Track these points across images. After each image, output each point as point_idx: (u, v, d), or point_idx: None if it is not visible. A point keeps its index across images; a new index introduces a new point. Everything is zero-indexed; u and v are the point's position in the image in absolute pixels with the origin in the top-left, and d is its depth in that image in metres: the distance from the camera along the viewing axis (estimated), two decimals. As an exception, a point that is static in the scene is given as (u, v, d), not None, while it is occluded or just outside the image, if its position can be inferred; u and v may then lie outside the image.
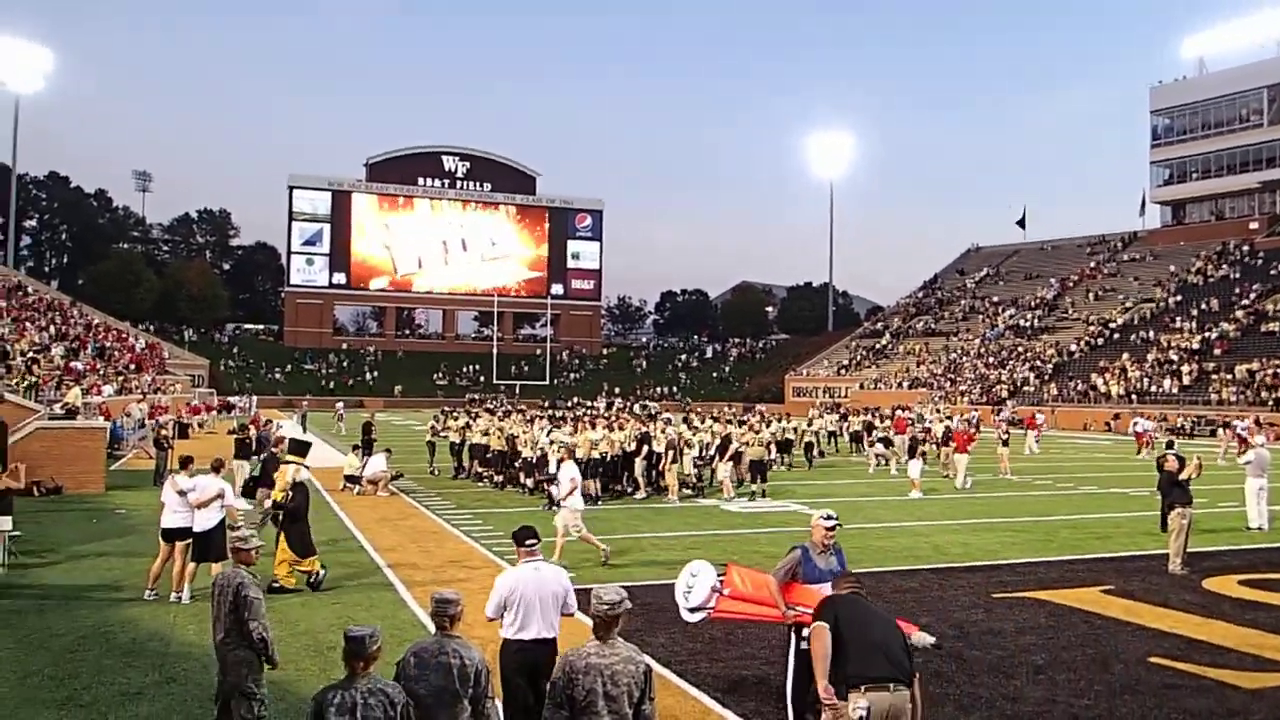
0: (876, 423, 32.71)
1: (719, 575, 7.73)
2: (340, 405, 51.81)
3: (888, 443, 30.00)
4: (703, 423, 27.06)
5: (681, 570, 7.97)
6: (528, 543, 6.59)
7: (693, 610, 7.66)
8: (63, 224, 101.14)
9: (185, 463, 11.94)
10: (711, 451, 23.34)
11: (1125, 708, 7.88)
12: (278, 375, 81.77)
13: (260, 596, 6.27)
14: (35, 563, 13.30)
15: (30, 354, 35.71)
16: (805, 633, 6.42)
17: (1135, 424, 41.04)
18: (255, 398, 60.75)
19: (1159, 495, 17.56)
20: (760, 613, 7.43)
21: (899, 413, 35.62)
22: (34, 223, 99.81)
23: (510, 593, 6.31)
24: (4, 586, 11.84)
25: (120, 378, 41.45)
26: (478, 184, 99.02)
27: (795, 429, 30.30)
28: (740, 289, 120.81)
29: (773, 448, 25.46)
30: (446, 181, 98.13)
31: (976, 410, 53.49)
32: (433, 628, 5.25)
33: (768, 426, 26.09)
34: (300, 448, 12.76)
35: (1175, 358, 55.68)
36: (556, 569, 6.75)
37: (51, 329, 44.67)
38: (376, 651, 4.68)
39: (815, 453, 30.39)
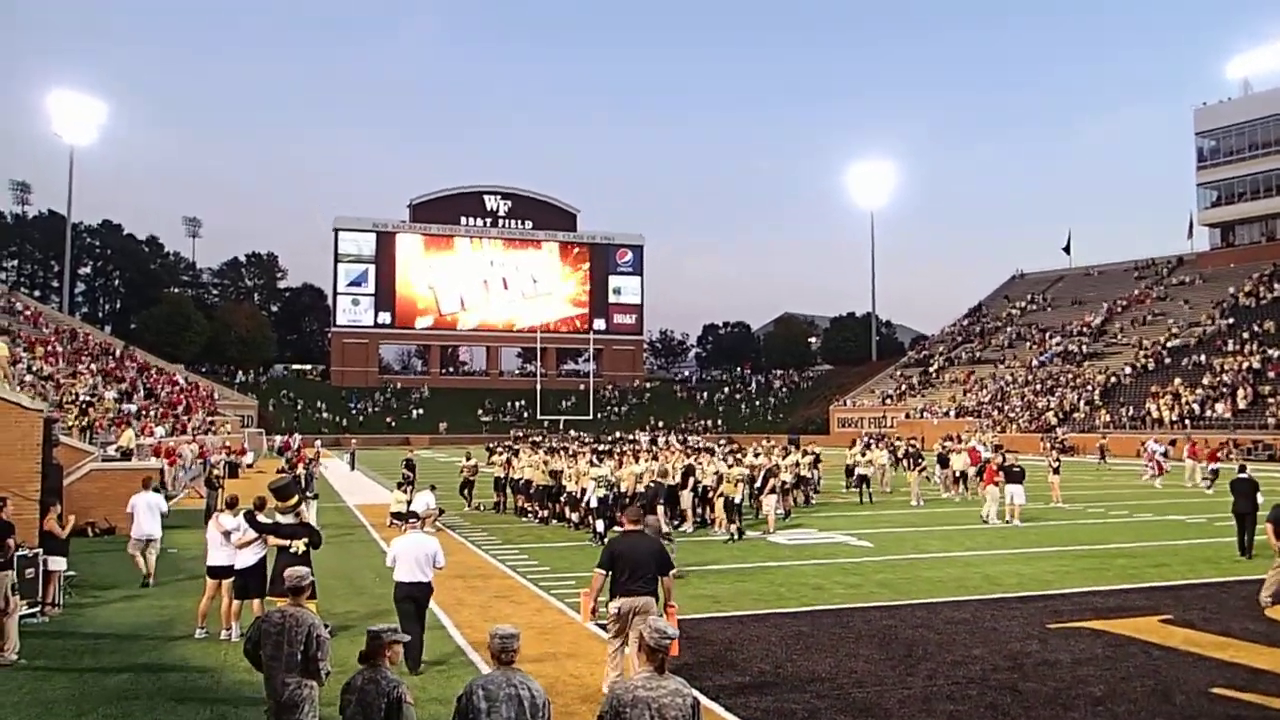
0: (856, 454, 30.67)
1: None
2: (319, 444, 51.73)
3: (864, 479, 28.78)
4: (744, 457, 26.88)
5: None
6: (411, 520, 11.12)
7: None
8: (116, 270, 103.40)
9: (232, 503, 12.04)
10: (758, 484, 23.16)
11: (1189, 740, 7.66)
12: (325, 414, 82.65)
13: (329, 636, 6.46)
14: (90, 602, 13.49)
15: (85, 398, 36.39)
16: None
17: None
18: (299, 436, 61.27)
19: (1235, 518, 17.43)
20: None
21: (972, 444, 34.26)
22: (88, 269, 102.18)
23: (397, 552, 10.12)
24: (60, 626, 12.00)
25: (172, 419, 42.08)
26: (519, 222, 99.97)
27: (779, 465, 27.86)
28: (783, 320, 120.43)
29: (741, 485, 21.90)
30: (488, 220, 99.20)
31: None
32: (482, 665, 5.30)
33: (739, 461, 23.89)
34: (281, 493, 12.20)
35: (1230, 381, 54.61)
36: (425, 537, 10.39)
37: (93, 369, 45.49)
38: (394, 645, 5.54)
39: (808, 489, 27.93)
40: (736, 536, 19.71)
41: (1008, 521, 22.44)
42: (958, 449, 32.23)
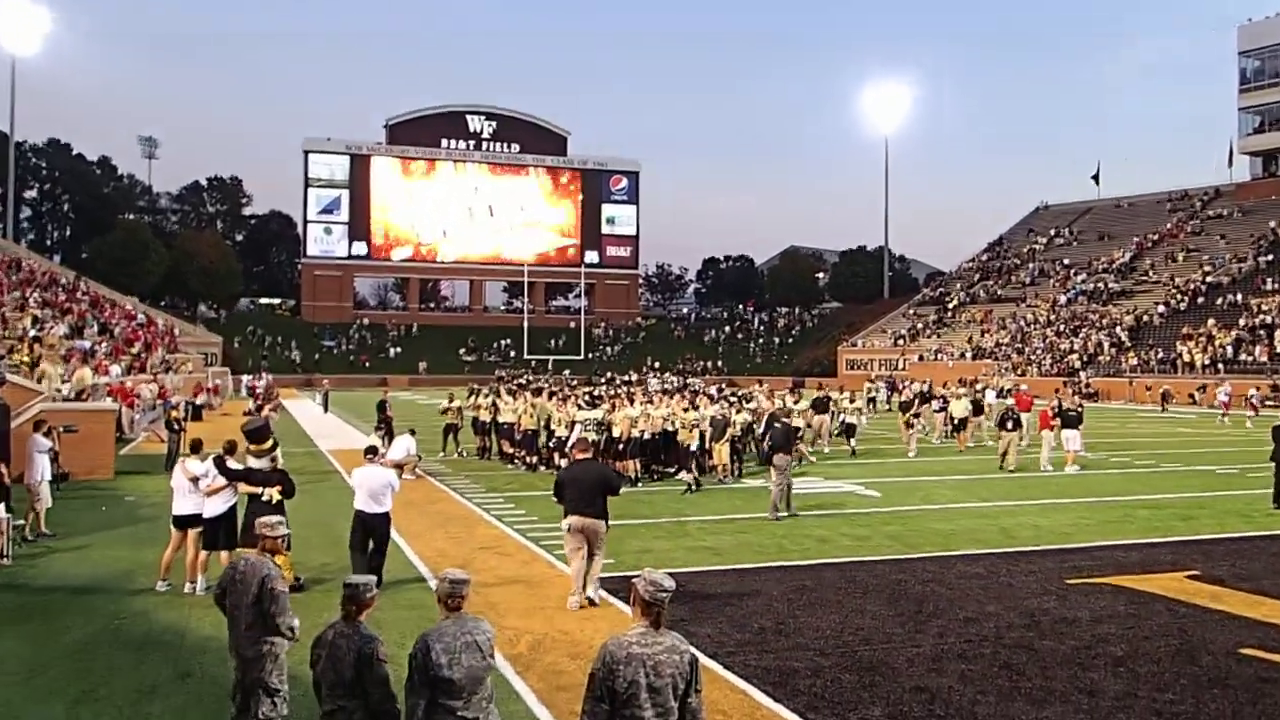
0: (844, 401, 29.80)
1: None
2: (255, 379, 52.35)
3: (849, 428, 27.90)
4: (746, 400, 26.88)
5: None
6: (367, 455, 11.99)
7: None
8: (65, 194, 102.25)
9: (196, 447, 12.01)
10: (760, 430, 23.23)
11: (1214, 702, 7.77)
12: (295, 352, 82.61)
13: (286, 590, 6.39)
14: (42, 553, 13.52)
15: (33, 333, 36.27)
16: None
17: None
18: (269, 375, 61.31)
19: (1274, 466, 17.67)
20: None
21: (1022, 388, 33.90)
22: (34, 193, 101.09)
23: (357, 481, 11.44)
24: (9, 579, 12.02)
25: (129, 357, 42.01)
26: (505, 145, 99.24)
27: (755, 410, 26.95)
28: (788, 254, 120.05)
29: (697, 431, 21.14)
30: (471, 143, 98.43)
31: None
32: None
33: (705, 406, 22.98)
34: (255, 435, 12.18)
35: (1269, 322, 54.71)
36: (380, 468, 11.68)
37: (39, 302, 45.28)
38: (370, 599, 5.47)
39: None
40: (693, 488, 19.49)
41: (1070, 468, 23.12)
42: (958, 394, 32.18)
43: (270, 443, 11.82)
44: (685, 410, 21.65)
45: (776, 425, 17.68)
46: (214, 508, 11.27)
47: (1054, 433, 24.02)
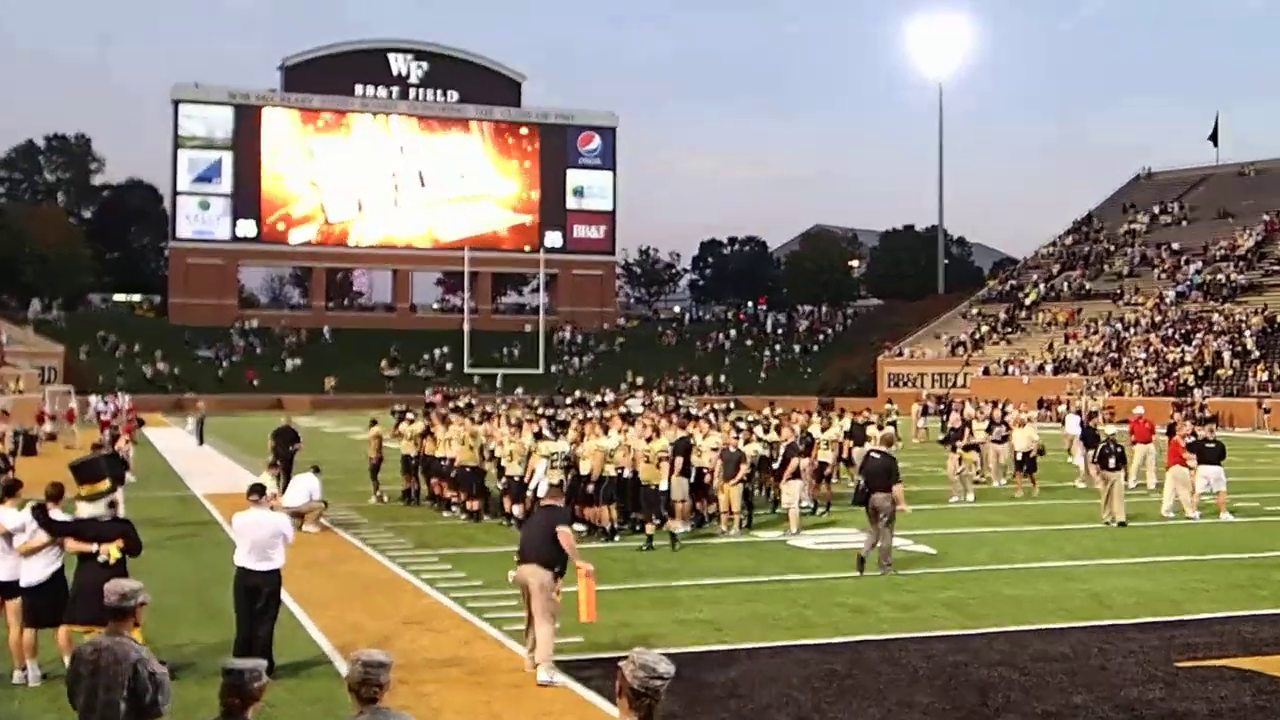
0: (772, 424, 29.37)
1: None
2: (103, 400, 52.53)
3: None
4: (764, 429, 26.73)
5: None
6: (252, 496, 11.91)
7: None
8: None
9: (11, 489, 11.58)
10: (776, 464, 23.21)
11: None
12: (161, 365, 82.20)
13: (166, 672, 6.35)
14: None
15: None
16: None
17: None
18: (127, 396, 61.09)
19: None
20: None
21: (1137, 411, 33.85)
22: None
23: (239, 529, 11.59)
24: None
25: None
26: (440, 92, 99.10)
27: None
28: (813, 236, 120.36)
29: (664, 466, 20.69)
30: (396, 90, 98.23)
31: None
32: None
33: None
34: (84, 472, 11.89)
35: None
36: (268, 513, 11.89)
37: None
38: (259, 690, 5.44)
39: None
40: (672, 543, 19.41)
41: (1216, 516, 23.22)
42: (1023, 419, 31.92)
43: (106, 483, 11.64)
44: (649, 440, 21.24)
45: (875, 456, 17.81)
46: (33, 573, 10.93)
47: (1190, 471, 23.72)
